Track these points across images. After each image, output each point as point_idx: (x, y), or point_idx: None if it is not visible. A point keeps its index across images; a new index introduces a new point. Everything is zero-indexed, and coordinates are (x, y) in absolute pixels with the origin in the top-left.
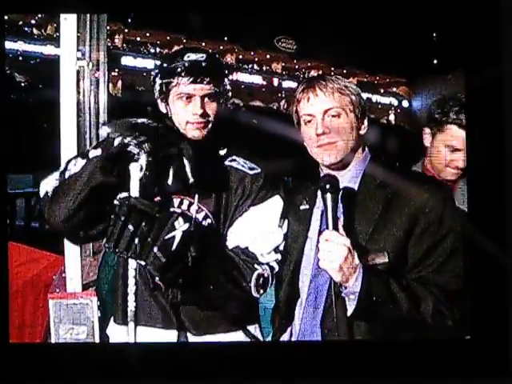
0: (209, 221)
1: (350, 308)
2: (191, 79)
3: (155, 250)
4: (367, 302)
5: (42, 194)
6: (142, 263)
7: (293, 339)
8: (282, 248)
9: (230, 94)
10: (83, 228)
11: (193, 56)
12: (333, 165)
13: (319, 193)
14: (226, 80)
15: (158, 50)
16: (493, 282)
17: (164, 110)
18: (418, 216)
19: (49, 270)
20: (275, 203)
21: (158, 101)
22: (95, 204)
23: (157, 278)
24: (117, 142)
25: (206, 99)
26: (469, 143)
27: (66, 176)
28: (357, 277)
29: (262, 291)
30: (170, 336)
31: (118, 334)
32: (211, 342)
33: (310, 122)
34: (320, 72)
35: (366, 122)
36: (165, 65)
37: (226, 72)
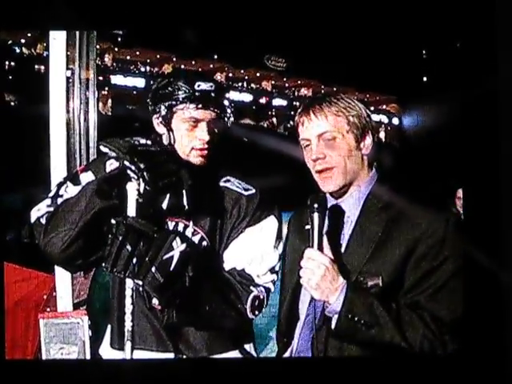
0: (204, 243)
1: (332, 327)
2: (200, 105)
3: (153, 269)
4: (349, 323)
5: (32, 220)
6: (140, 283)
7: None
8: (277, 268)
9: (232, 118)
10: (81, 256)
11: (203, 85)
12: (334, 193)
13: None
14: (228, 107)
15: (148, 68)
16: (488, 299)
17: (164, 135)
18: (418, 240)
19: (39, 289)
20: (270, 224)
21: (158, 125)
22: (95, 230)
23: (154, 300)
24: (111, 165)
25: (212, 125)
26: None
27: (59, 202)
28: (338, 296)
29: (257, 313)
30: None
31: (115, 358)
32: (207, 358)
33: (307, 146)
34: (310, 90)
35: (368, 141)
36: (170, 89)
37: (228, 98)
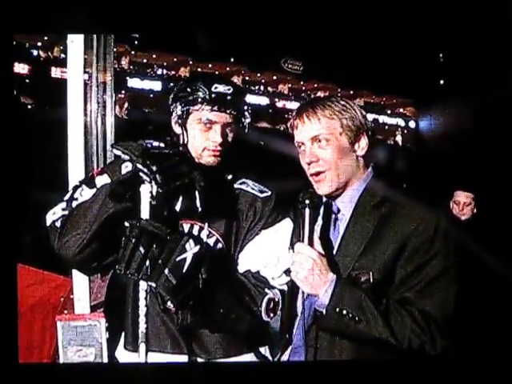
0: (220, 245)
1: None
2: (215, 108)
3: (166, 271)
4: (337, 316)
5: (48, 224)
6: (153, 285)
7: (285, 358)
8: (290, 268)
9: (248, 122)
10: (96, 259)
11: (220, 88)
12: (328, 195)
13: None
14: (247, 111)
15: (164, 71)
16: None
17: (181, 135)
18: (409, 237)
19: (57, 291)
20: (285, 226)
21: (175, 124)
22: (109, 233)
23: (168, 303)
24: (126, 167)
25: (227, 128)
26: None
27: (74, 205)
28: (327, 289)
29: (272, 315)
30: (180, 361)
31: (129, 360)
32: (222, 362)
33: (302, 149)
34: (327, 93)
35: (363, 142)
36: (188, 90)
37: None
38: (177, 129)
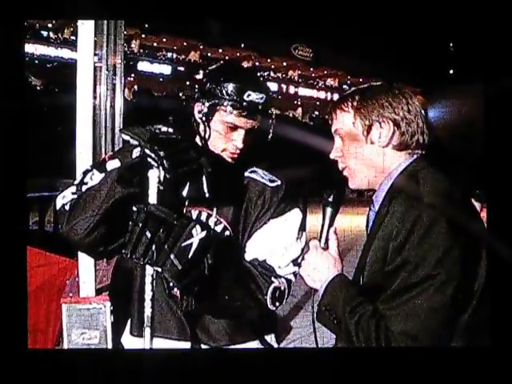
0: (227, 233)
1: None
2: (244, 114)
3: (172, 256)
4: (323, 313)
5: (58, 207)
6: (159, 270)
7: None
8: (299, 260)
9: (272, 130)
10: (103, 243)
11: (253, 96)
12: (360, 189)
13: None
14: (271, 119)
15: (174, 55)
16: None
17: (200, 125)
18: (388, 241)
19: (62, 274)
20: (294, 216)
21: (198, 114)
22: (116, 217)
23: (175, 290)
24: (136, 153)
25: (250, 133)
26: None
27: (84, 189)
28: (323, 285)
29: (277, 304)
30: (185, 347)
31: (134, 346)
32: (227, 348)
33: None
34: (336, 80)
35: (385, 131)
36: (219, 88)
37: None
38: (198, 120)
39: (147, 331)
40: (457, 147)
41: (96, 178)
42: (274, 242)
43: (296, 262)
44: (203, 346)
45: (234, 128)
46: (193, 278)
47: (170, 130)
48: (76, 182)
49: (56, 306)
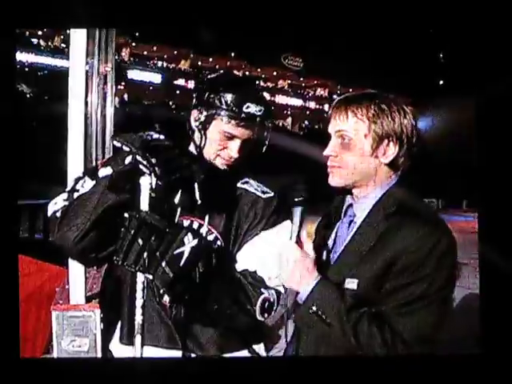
0: (218, 243)
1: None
2: (242, 124)
3: (163, 264)
4: (308, 313)
5: (49, 214)
6: (150, 277)
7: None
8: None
9: (267, 141)
10: (94, 249)
11: (252, 108)
12: (335, 187)
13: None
14: (267, 131)
15: (164, 64)
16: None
17: (196, 132)
18: (401, 254)
19: (52, 281)
20: (285, 228)
21: (195, 121)
22: (107, 224)
23: (164, 298)
24: (128, 159)
25: (245, 143)
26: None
27: (75, 196)
28: (307, 286)
29: (266, 315)
30: (174, 356)
31: (123, 354)
32: (216, 358)
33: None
34: (326, 90)
35: (390, 150)
36: (218, 98)
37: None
38: (194, 127)
39: (138, 339)
40: (446, 157)
41: (87, 185)
42: (265, 254)
43: None
44: (192, 355)
45: (231, 137)
46: (184, 286)
47: (162, 136)
48: (68, 189)
49: (45, 313)
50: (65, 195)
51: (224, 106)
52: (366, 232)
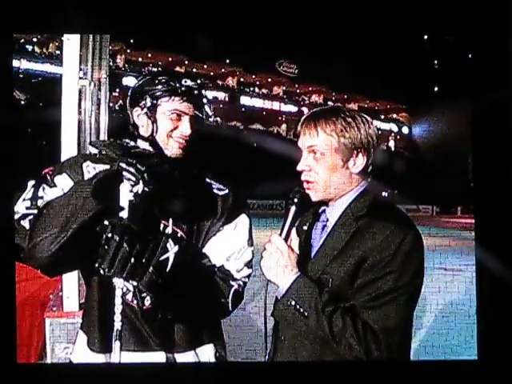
0: (184, 242)
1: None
2: (185, 99)
3: (150, 270)
4: (286, 307)
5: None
6: (134, 283)
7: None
8: (252, 263)
9: (210, 116)
10: (70, 259)
11: (189, 82)
12: (315, 202)
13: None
14: (208, 105)
15: (159, 70)
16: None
17: (143, 127)
18: (371, 252)
19: (46, 288)
20: (243, 221)
21: (139, 117)
22: (87, 232)
23: (147, 301)
24: (88, 166)
25: (193, 120)
26: (476, 168)
27: (40, 204)
28: (287, 281)
29: (235, 306)
30: (150, 359)
31: (92, 361)
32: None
33: (301, 155)
34: (321, 97)
35: (359, 161)
36: (157, 83)
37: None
38: (140, 121)
39: (117, 345)
40: (441, 163)
41: (49, 192)
42: (229, 248)
43: (249, 265)
44: (161, 354)
45: (178, 117)
46: (169, 289)
47: (137, 143)
48: (28, 197)
49: (39, 320)
50: (26, 203)
51: (164, 87)
52: (337, 235)
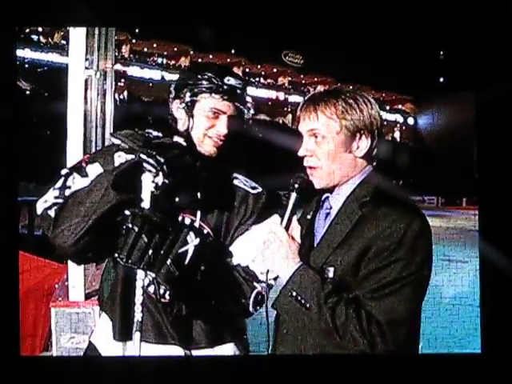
0: (210, 239)
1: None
2: (226, 98)
3: (168, 262)
4: (288, 298)
5: (39, 212)
6: (152, 275)
7: None
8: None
9: (250, 116)
10: (93, 248)
11: (232, 81)
12: (322, 189)
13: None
14: (250, 105)
15: (164, 60)
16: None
17: (181, 120)
18: (375, 240)
19: (51, 278)
20: (274, 222)
21: (178, 109)
22: (108, 222)
23: (166, 294)
24: (119, 157)
25: (232, 119)
26: (479, 162)
27: (67, 194)
28: (288, 271)
29: (258, 308)
30: (167, 352)
31: (116, 351)
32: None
33: (303, 140)
34: (326, 87)
35: (363, 143)
36: (200, 78)
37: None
38: (179, 114)
39: (137, 336)
40: (446, 155)
41: (78, 181)
42: (255, 249)
43: None
44: (180, 349)
45: (217, 115)
46: (186, 283)
47: (160, 134)
48: (57, 186)
49: (45, 310)
50: (55, 192)
51: (206, 84)
52: (340, 222)
